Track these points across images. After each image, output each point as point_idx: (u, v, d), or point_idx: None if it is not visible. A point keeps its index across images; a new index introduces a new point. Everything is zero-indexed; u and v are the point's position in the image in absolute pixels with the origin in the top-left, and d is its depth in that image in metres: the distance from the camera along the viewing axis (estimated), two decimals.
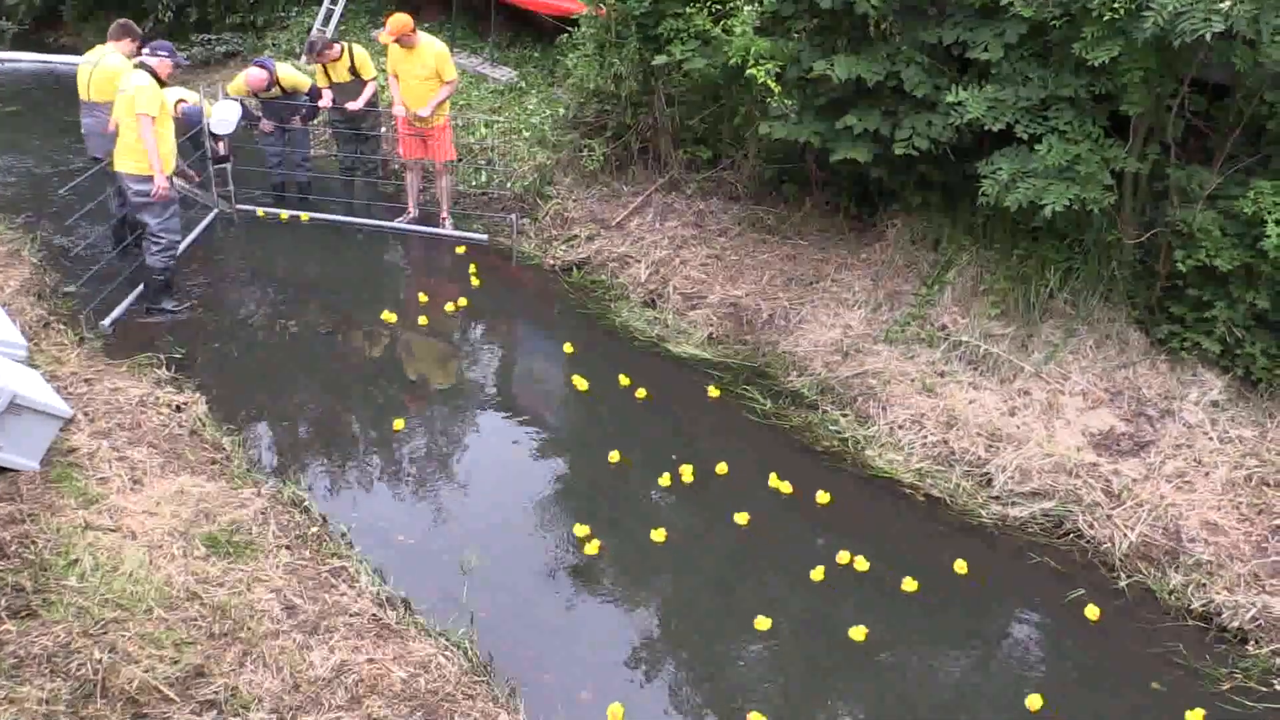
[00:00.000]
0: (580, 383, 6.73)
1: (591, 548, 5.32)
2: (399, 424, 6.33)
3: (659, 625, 4.93)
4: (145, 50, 7.44)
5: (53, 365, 6.20)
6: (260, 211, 9.10)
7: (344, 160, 9.72)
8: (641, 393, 6.68)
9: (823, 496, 5.73)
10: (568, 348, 7.26)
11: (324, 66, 9.05)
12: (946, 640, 4.90)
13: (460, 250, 8.64)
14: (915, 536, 5.54)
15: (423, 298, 7.90)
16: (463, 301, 7.82)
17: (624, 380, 6.80)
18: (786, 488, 5.81)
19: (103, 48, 7.88)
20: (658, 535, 5.41)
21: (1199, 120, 6.18)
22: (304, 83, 9.20)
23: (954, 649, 4.86)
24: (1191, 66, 5.68)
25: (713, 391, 6.72)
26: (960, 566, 5.28)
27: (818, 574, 5.17)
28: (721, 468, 5.93)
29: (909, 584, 5.13)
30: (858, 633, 4.83)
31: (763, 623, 4.84)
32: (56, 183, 9.12)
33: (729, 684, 4.60)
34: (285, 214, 9.10)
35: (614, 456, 6.04)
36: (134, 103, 6.94)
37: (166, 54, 7.40)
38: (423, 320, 7.60)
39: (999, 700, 4.61)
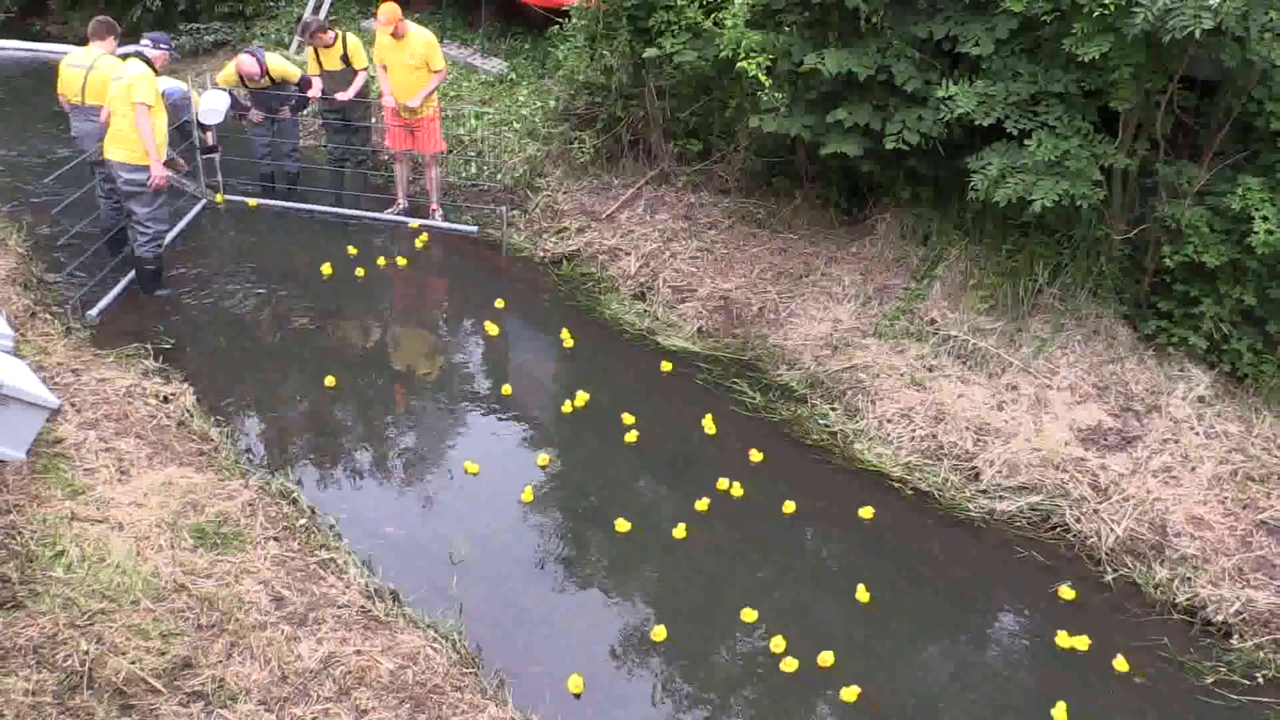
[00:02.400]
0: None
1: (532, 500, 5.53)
2: (330, 380, 6.52)
3: (648, 617, 4.93)
4: (144, 41, 7.40)
5: (39, 355, 6.16)
6: (252, 203, 9.06)
7: (333, 151, 9.68)
8: (592, 354, 6.94)
9: (755, 455, 5.97)
10: (499, 302, 7.60)
11: (316, 53, 9.00)
12: (934, 634, 4.92)
13: (414, 226, 8.79)
14: (903, 529, 5.57)
15: (352, 250, 8.36)
16: (415, 227, 8.53)
17: (568, 339, 7.12)
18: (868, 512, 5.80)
19: (91, 49, 7.71)
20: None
21: (1188, 116, 6.20)
22: (294, 73, 9.16)
23: (941, 643, 4.88)
24: (1181, 63, 5.70)
25: (665, 365, 6.88)
26: (865, 510, 5.52)
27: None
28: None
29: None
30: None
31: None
32: (42, 171, 9.05)
33: (714, 677, 4.63)
34: (221, 196, 9.11)
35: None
36: (131, 91, 6.91)
37: (166, 47, 7.41)
38: (360, 271, 8.00)
39: (985, 693, 4.63)
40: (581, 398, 6.45)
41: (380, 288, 8.06)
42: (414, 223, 8.84)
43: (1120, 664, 4.71)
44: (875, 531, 5.56)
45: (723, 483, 5.74)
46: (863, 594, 5.03)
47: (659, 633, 4.76)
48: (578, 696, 4.46)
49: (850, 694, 4.47)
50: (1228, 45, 5.43)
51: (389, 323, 7.67)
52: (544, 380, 6.78)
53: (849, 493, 5.79)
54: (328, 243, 8.58)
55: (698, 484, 5.79)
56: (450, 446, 6.18)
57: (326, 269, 7.94)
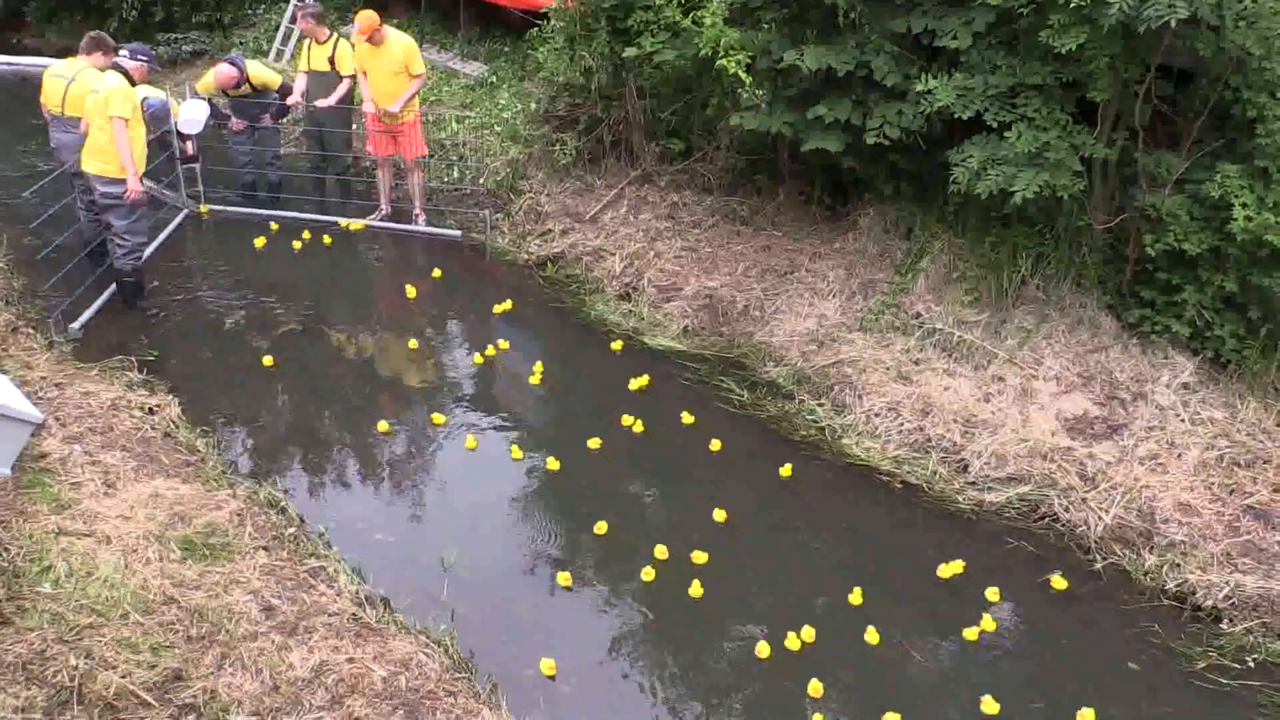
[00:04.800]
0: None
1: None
2: (268, 360, 6.72)
3: (640, 619, 4.94)
4: (124, 52, 7.35)
5: (22, 370, 6.11)
6: (204, 209, 9.03)
7: (311, 159, 9.63)
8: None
9: (784, 470, 5.93)
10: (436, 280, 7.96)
11: (308, 47, 8.97)
12: (925, 628, 4.94)
13: (343, 224, 8.90)
14: (893, 522, 5.58)
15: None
16: (346, 225, 8.82)
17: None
18: (787, 470, 5.90)
19: (75, 61, 7.64)
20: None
21: (1165, 106, 6.24)
22: (274, 80, 9.12)
23: (931, 636, 4.90)
24: (1157, 52, 5.73)
25: (614, 345, 7.03)
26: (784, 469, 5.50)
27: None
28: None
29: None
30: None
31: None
32: (21, 185, 8.98)
33: (705, 681, 4.63)
34: (205, 208, 9.11)
35: (594, 443, 6.09)
36: (107, 104, 6.85)
37: (146, 59, 7.36)
38: (327, 239, 8.54)
39: (980, 683, 4.65)
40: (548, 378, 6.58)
41: (364, 295, 8.03)
42: (343, 222, 8.89)
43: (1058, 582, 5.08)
44: (868, 528, 5.60)
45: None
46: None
47: (563, 577, 5.03)
48: (551, 678, 4.49)
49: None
50: (1203, 34, 5.47)
51: (374, 331, 7.62)
52: (533, 387, 6.77)
53: (850, 496, 5.80)
54: (311, 248, 8.55)
55: (695, 487, 5.80)
56: (439, 452, 6.16)
57: (259, 241, 8.41)
